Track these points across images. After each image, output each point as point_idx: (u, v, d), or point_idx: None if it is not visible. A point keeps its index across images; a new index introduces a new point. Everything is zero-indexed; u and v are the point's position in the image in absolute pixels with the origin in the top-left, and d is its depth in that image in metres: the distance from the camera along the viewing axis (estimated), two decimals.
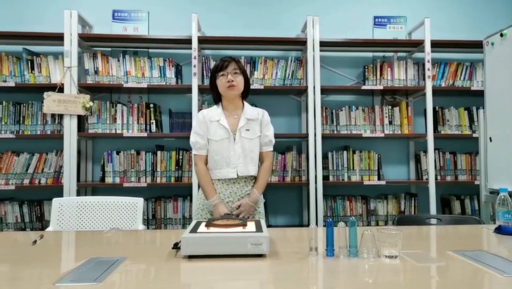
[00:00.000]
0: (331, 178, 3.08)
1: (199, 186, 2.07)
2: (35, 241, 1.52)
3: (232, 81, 1.90)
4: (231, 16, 3.33)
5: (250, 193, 1.97)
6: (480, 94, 2.85)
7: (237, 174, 1.94)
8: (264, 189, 2.02)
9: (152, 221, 3.03)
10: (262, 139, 2.02)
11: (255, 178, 2.02)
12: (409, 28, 3.29)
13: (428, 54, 3.03)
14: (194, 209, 2.09)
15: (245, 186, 1.98)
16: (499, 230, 1.66)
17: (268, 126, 2.04)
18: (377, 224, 3.13)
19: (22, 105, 2.97)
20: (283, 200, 3.28)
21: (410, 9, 3.39)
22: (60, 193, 2.79)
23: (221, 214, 1.86)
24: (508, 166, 2.47)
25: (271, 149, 2.06)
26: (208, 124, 1.97)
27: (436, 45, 3.10)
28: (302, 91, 3.18)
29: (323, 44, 3.04)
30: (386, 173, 3.28)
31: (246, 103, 2.05)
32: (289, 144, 3.21)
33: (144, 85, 2.97)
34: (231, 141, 1.94)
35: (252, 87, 2.85)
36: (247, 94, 2.06)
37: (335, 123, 3.14)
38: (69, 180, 2.84)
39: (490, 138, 2.63)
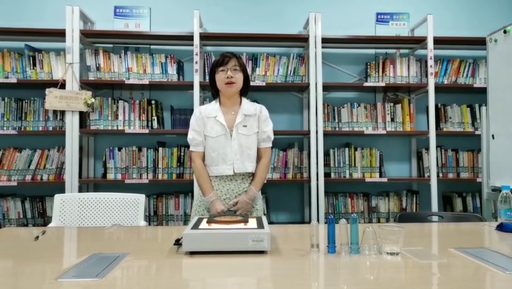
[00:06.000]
0: (332, 175, 3.08)
1: None
2: (37, 237, 1.53)
3: (231, 77, 1.88)
4: (233, 13, 3.32)
5: (247, 190, 1.95)
6: (482, 91, 2.84)
7: (234, 171, 1.92)
8: (261, 186, 1.99)
9: (154, 217, 3.03)
10: (260, 135, 1.98)
11: (252, 175, 1.99)
12: (412, 25, 3.28)
13: (430, 51, 3.02)
14: (193, 205, 2.09)
15: (242, 183, 1.96)
16: (501, 227, 1.65)
17: (267, 122, 2.00)
18: (379, 221, 3.13)
19: (24, 101, 2.98)
20: (285, 197, 3.28)
21: (413, 5, 3.37)
22: (62, 189, 2.80)
23: (217, 211, 1.84)
24: (510, 164, 2.46)
25: (270, 145, 2.02)
26: (205, 120, 1.95)
27: (439, 42, 3.08)
28: (304, 88, 3.18)
29: (325, 40, 3.03)
30: (387, 170, 3.28)
31: (244, 99, 2.01)
32: (290, 141, 3.21)
33: (145, 81, 2.97)
34: (227, 137, 1.92)
35: (254, 84, 2.87)
36: (247, 91, 2.03)
37: (337, 120, 3.13)
38: (71, 176, 2.84)
39: (493, 136, 2.62)
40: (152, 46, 3.24)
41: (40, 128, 2.97)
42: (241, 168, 1.93)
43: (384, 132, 3.09)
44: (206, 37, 3.09)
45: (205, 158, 1.98)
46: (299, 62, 3.10)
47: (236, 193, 1.95)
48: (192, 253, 1.26)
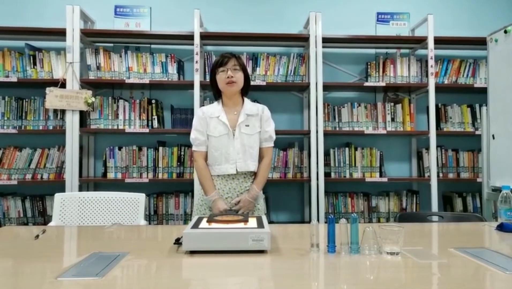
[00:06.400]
0: (332, 175, 3.08)
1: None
2: (37, 236, 1.53)
3: (232, 77, 1.90)
4: (233, 12, 3.32)
5: (249, 189, 1.97)
6: (483, 91, 2.84)
7: (236, 170, 1.94)
8: (263, 185, 2.02)
9: (154, 216, 3.04)
10: (262, 134, 2.00)
11: (254, 174, 2.01)
12: (412, 25, 3.28)
13: (431, 50, 3.02)
14: (194, 204, 2.09)
15: (244, 182, 1.98)
16: (501, 227, 1.65)
17: (269, 122, 2.03)
18: (379, 221, 3.13)
19: (24, 100, 2.98)
20: (285, 197, 3.28)
21: (413, 5, 3.37)
22: (62, 188, 2.80)
23: (220, 210, 1.86)
24: (510, 164, 2.46)
25: (271, 145, 2.05)
26: (207, 120, 1.97)
27: (439, 41, 3.07)
28: (304, 88, 3.18)
29: (325, 40, 3.03)
30: (388, 170, 3.27)
31: (246, 99, 2.04)
32: (291, 140, 3.21)
33: (146, 81, 2.97)
34: (230, 137, 1.94)
35: (254, 83, 2.87)
36: (248, 90, 2.05)
37: (337, 120, 3.13)
38: (71, 175, 2.84)
39: (493, 136, 2.62)
40: (152, 46, 3.24)
41: (41, 127, 2.97)
42: (243, 167, 1.95)
43: (385, 132, 3.09)
44: (206, 37, 3.09)
45: (207, 157, 2.00)
46: (300, 62, 3.10)
47: (238, 192, 1.97)
48: (192, 252, 1.26)
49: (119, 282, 1.02)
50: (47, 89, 2.84)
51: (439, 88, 3.06)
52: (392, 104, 3.16)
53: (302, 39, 3.14)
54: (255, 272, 1.12)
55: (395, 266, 1.15)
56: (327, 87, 3.12)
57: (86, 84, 2.99)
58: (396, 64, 3.13)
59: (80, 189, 2.92)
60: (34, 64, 2.96)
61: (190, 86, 2.95)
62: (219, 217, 1.47)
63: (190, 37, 2.95)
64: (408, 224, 1.75)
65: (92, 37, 3.11)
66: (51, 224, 1.96)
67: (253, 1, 3.34)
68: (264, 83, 3.01)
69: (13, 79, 2.90)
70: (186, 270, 1.15)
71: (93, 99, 2.89)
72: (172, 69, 3.04)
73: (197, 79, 2.91)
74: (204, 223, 1.39)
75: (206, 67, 3.06)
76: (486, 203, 2.69)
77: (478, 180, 3.02)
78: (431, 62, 3.02)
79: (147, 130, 2.98)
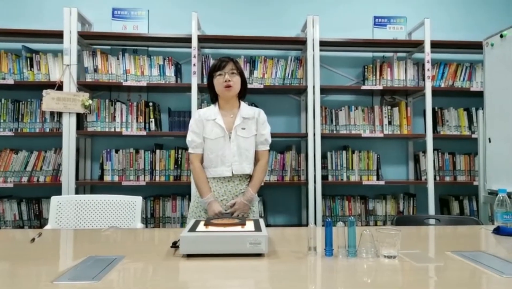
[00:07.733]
0: (330, 178, 3.08)
1: None
2: (33, 239, 1.52)
3: (229, 81, 1.91)
4: (231, 15, 3.32)
5: (244, 192, 1.97)
6: (479, 95, 2.85)
7: (232, 172, 1.95)
8: (259, 188, 2.02)
9: (151, 219, 3.02)
10: (258, 138, 2.02)
11: (250, 177, 2.02)
12: (409, 29, 3.30)
13: (427, 54, 3.03)
14: (190, 207, 2.10)
15: (239, 185, 1.98)
16: (498, 230, 1.66)
17: (264, 125, 2.04)
18: (376, 224, 3.13)
19: (21, 102, 2.97)
20: (282, 200, 3.28)
21: (410, 9, 3.38)
22: (58, 191, 2.78)
23: (215, 212, 1.87)
24: (507, 167, 2.47)
25: (267, 148, 2.06)
26: (204, 123, 1.98)
27: (436, 45, 3.10)
28: (301, 91, 3.18)
29: (323, 43, 3.04)
30: (385, 173, 3.28)
31: (242, 103, 2.05)
32: (288, 143, 3.21)
33: (143, 83, 2.96)
34: (226, 139, 1.95)
35: (251, 86, 2.88)
36: (244, 94, 2.07)
37: (334, 123, 3.14)
38: (67, 178, 2.83)
39: (489, 139, 2.63)
40: (150, 48, 3.24)
41: (37, 130, 2.96)
42: (239, 169, 1.95)
43: (382, 135, 3.09)
44: (204, 40, 3.09)
45: (203, 160, 2.00)
46: (297, 65, 3.10)
47: (234, 194, 1.97)
48: (189, 255, 1.26)
49: (115, 286, 1.01)
50: (44, 92, 2.83)
51: (435, 92, 3.08)
52: (389, 107, 3.17)
53: (299, 42, 3.15)
54: (253, 275, 1.12)
55: (392, 269, 1.15)
56: (324, 90, 3.13)
57: (83, 86, 2.98)
58: (393, 67, 3.14)
59: (77, 192, 2.90)
60: (31, 66, 2.95)
61: (188, 88, 2.95)
62: (216, 220, 1.47)
63: (187, 40, 2.96)
64: (405, 227, 1.76)
65: (89, 39, 3.10)
66: (47, 227, 1.95)
67: (251, 4, 3.35)
68: (262, 86, 3.01)
69: (10, 81, 2.89)
70: (183, 274, 1.15)
71: (90, 101, 2.89)
72: (170, 71, 3.04)
73: (194, 82, 2.91)
74: (201, 227, 1.39)
75: (204, 70, 3.07)
76: (482, 206, 2.70)
77: (475, 183, 3.03)
78: (427, 65, 3.03)
79: (144, 133, 2.97)
